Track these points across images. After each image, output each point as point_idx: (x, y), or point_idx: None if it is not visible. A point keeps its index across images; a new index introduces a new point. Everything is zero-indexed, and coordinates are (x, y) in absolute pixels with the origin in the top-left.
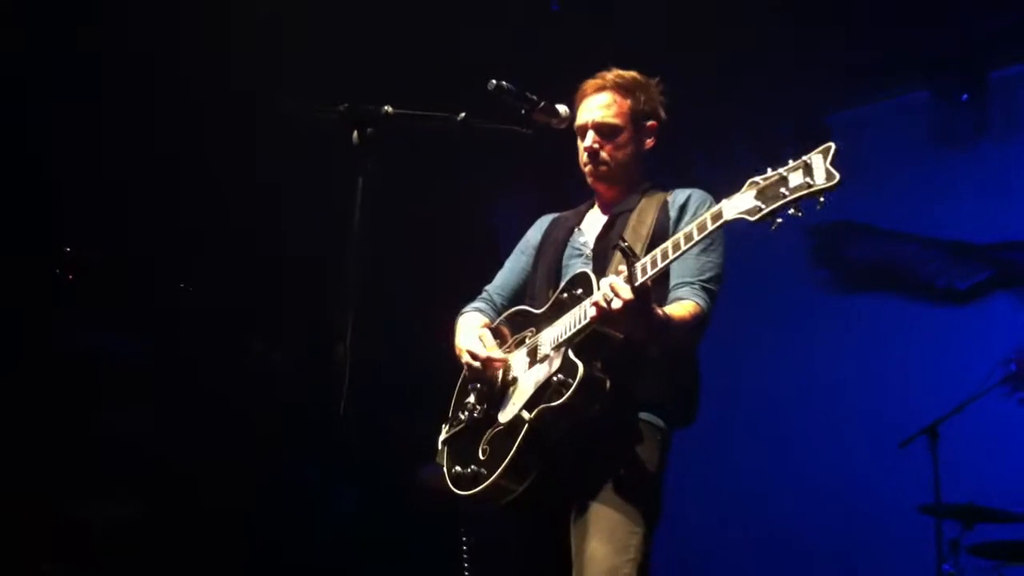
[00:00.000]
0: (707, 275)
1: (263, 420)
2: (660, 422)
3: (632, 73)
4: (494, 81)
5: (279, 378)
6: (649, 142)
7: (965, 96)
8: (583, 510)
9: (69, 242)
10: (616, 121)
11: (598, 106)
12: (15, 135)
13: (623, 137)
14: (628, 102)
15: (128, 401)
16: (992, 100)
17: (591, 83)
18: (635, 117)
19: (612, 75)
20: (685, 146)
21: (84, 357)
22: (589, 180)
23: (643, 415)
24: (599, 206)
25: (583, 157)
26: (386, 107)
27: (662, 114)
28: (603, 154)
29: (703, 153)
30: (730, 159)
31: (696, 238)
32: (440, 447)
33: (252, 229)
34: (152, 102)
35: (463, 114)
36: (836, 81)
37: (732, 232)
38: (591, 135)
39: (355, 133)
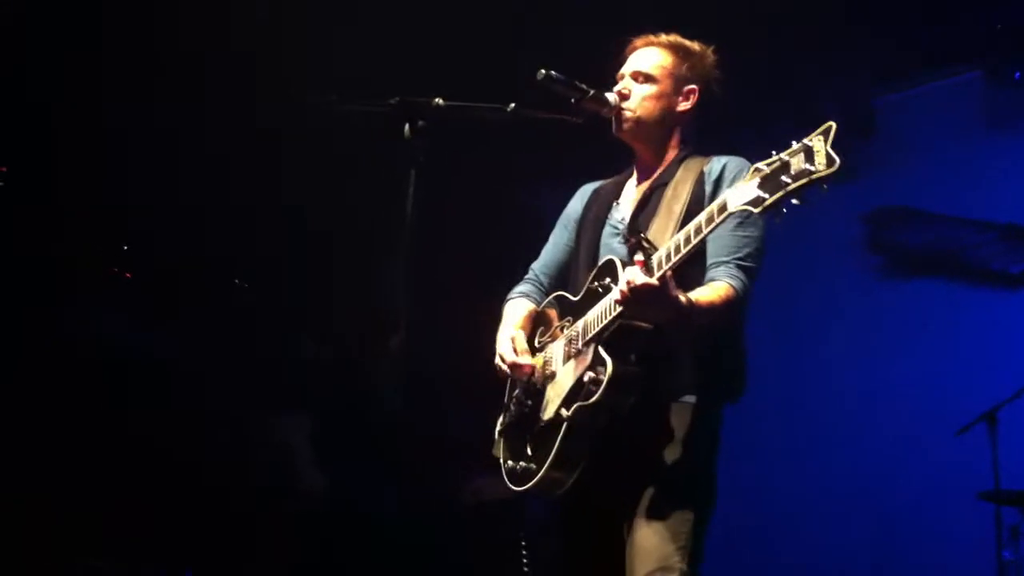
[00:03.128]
0: (743, 251)
1: (312, 418)
2: (704, 404)
3: (687, 41)
4: (543, 71)
5: (330, 373)
6: (684, 106)
7: (1018, 75)
8: (633, 500)
9: (126, 240)
10: (653, 72)
11: (641, 57)
12: (44, 124)
13: (655, 90)
14: (672, 60)
15: (173, 397)
16: None
17: (643, 38)
18: (675, 76)
19: (666, 36)
20: (731, 126)
21: (127, 352)
22: (615, 131)
23: (684, 399)
24: (637, 173)
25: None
26: (437, 99)
27: (712, 86)
28: (631, 100)
29: (750, 134)
30: (777, 142)
31: (705, 231)
32: (497, 438)
33: (303, 222)
34: (201, 96)
35: (513, 104)
36: (886, 62)
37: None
38: (626, 80)
39: (407, 126)
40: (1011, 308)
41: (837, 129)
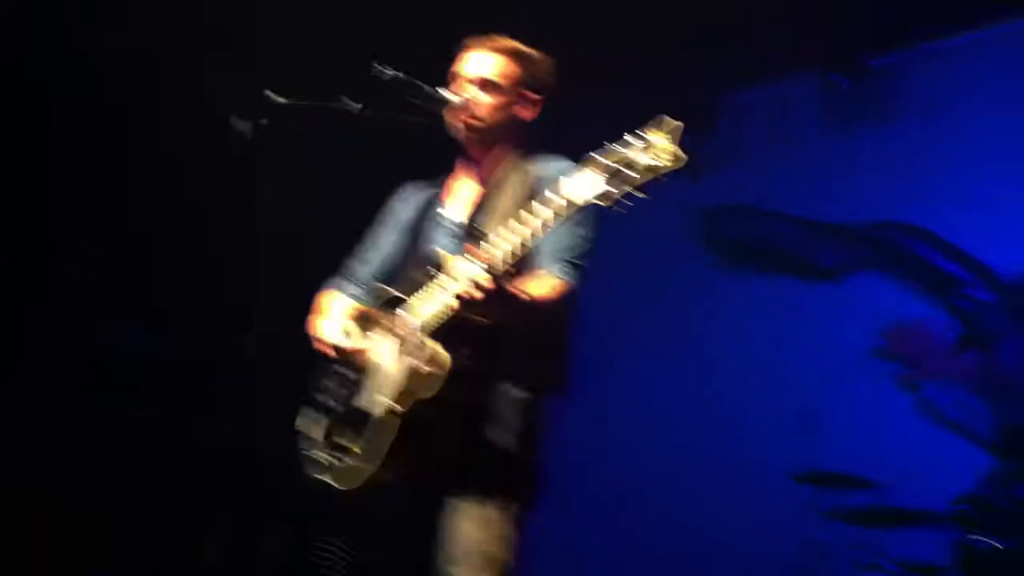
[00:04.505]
0: (574, 249)
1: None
2: (530, 396)
3: (525, 47)
4: (380, 67)
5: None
6: (527, 113)
7: (847, 84)
8: (455, 494)
9: None
10: (499, 81)
11: (484, 62)
12: None
13: (502, 99)
14: (515, 68)
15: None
16: (873, 87)
17: (482, 40)
18: (518, 84)
19: (505, 40)
20: (571, 124)
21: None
22: (459, 136)
23: (511, 390)
24: (467, 175)
25: (457, 108)
26: (279, 97)
27: (550, 92)
28: (478, 109)
29: (591, 134)
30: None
31: (552, 225)
32: (308, 435)
33: (158, 215)
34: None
35: (359, 105)
36: (724, 64)
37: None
38: (470, 87)
39: (248, 125)
40: (832, 301)
41: (683, 127)
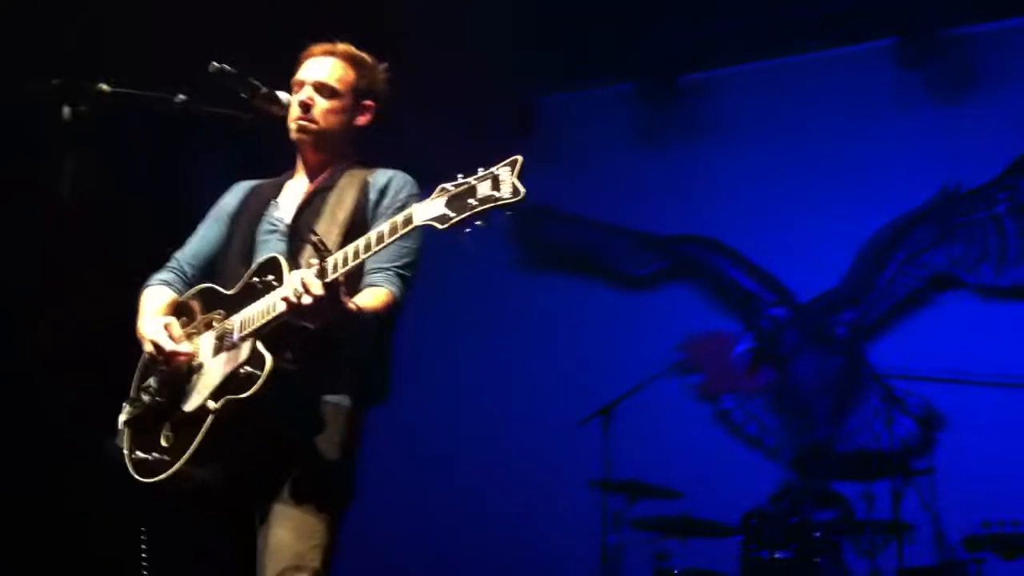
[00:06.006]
0: (403, 261)
1: None
2: (349, 404)
3: (363, 53)
4: (215, 64)
5: None
6: (363, 119)
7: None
8: (270, 499)
9: None
10: (337, 86)
11: (323, 67)
12: None
13: (339, 104)
14: (353, 74)
15: None
16: (681, 103)
17: (321, 46)
18: (355, 90)
19: (343, 46)
20: (401, 121)
21: None
22: (294, 137)
23: (332, 398)
24: (300, 176)
25: (294, 111)
26: (101, 84)
27: (383, 99)
28: (315, 112)
29: (418, 128)
30: (445, 138)
31: (387, 240)
32: (121, 428)
33: None
34: None
35: (183, 96)
36: (549, 65)
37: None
38: (309, 90)
39: (66, 110)
40: (634, 310)
41: (523, 162)
